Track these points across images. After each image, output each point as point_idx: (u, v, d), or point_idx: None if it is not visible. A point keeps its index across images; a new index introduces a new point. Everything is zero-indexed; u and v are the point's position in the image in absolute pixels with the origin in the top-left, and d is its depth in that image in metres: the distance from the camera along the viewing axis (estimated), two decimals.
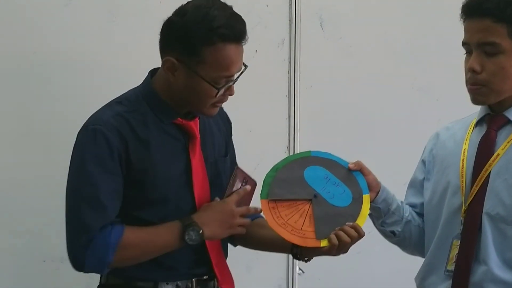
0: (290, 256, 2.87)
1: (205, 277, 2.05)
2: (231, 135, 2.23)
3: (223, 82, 1.95)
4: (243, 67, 2.00)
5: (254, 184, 2.01)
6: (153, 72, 2.06)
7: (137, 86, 2.07)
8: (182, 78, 1.96)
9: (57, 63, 2.61)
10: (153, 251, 1.97)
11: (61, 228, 2.53)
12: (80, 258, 1.93)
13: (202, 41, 1.91)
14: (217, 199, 2.02)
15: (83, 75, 2.63)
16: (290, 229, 2.00)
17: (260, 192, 2.05)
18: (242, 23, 1.97)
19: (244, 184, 1.97)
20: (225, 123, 2.22)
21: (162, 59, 1.99)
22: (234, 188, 2.02)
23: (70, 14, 2.62)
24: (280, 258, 2.87)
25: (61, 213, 2.52)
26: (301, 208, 2.03)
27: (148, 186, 1.97)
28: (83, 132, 1.98)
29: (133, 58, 2.68)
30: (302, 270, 2.91)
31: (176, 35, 1.94)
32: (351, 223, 1.99)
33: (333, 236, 1.98)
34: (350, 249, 2.84)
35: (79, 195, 1.95)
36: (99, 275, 2.08)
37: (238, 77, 2.00)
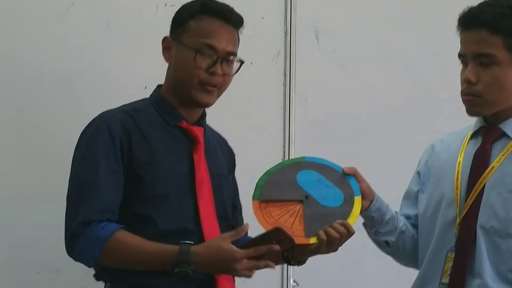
0: (285, 269, 2.88)
1: None
2: (234, 166, 2.26)
3: (205, 50, 2.02)
4: (237, 58, 2.06)
5: (290, 243, 1.91)
6: (160, 86, 2.13)
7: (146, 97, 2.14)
8: (173, 54, 2.06)
9: (53, 75, 2.61)
10: (139, 263, 1.93)
11: (55, 239, 2.52)
12: (71, 245, 1.95)
13: (189, 14, 2.06)
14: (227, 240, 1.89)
15: (80, 87, 2.63)
16: None
17: (252, 195, 2.06)
18: (232, 8, 2.08)
19: (276, 242, 1.87)
20: (229, 152, 2.25)
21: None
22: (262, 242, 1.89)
23: (66, 26, 2.62)
24: (274, 271, 2.85)
25: (55, 224, 2.52)
26: (292, 208, 2.04)
27: (149, 181, 1.98)
28: (88, 125, 2.04)
29: (130, 70, 2.68)
30: (296, 283, 2.91)
31: (173, 17, 2.10)
32: (341, 221, 2.00)
33: (321, 233, 1.98)
34: (344, 261, 2.86)
35: (77, 182, 1.98)
36: (93, 286, 2.08)
37: (226, 60, 2.03)
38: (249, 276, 1.92)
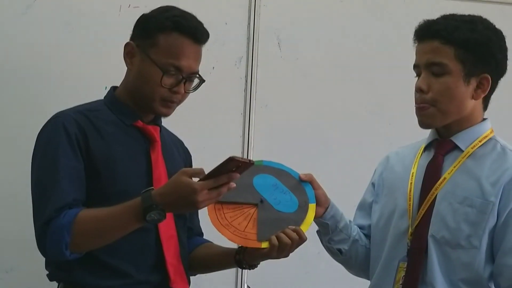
0: (239, 273, 2.89)
1: None
2: (191, 167, 2.25)
3: (171, 71, 2.02)
4: (198, 77, 2.07)
5: (249, 166, 1.87)
6: (114, 88, 2.14)
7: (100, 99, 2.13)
8: (136, 64, 2.06)
9: (10, 72, 2.58)
10: (111, 230, 1.92)
11: (7, 238, 2.51)
12: (41, 245, 1.94)
13: (158, 26, 2.04)
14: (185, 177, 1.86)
15: (37, 86, 2.61)
16: (232, 230, 2.02)
17: None
18: (202, 25, 2.07)
19: (234, 170, 1.85)
20: (185, 153, 2.27)
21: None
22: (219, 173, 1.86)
23: (27, 25, 2.60)
24: (228, 276, 2.86)
25: (7, 224, 2.50)
26: (246, 211, 2.05)
27: (108, 178, 1.98)
28: (43, 126, 2.03)
29: (90, 69, 2.67)
30: None
31: (138, 22, 2.10)
32: (293, 227, 2.01)
33: (273, 238, 2.00)
34: (298, 268, 2.86)
35: (39, 184, 1.97)
36: (46, 286, 2.07)
37: (189, 79, 2.05)
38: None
